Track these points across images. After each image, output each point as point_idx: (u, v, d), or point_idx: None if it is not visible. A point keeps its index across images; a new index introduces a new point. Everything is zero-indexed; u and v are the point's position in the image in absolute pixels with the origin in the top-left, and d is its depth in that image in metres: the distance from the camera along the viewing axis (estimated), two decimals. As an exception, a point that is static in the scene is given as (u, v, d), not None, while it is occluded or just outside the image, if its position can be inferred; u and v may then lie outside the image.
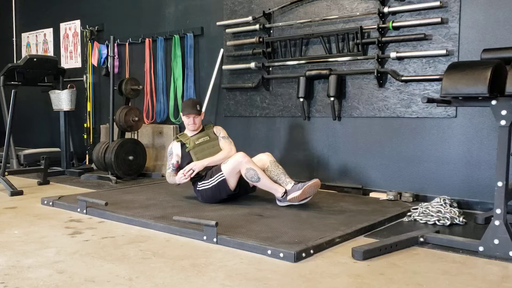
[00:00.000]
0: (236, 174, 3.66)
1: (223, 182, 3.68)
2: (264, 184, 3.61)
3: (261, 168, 3.66)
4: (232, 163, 3.64)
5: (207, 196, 3.77)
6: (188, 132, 4.05)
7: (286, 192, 3.57)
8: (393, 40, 4.09)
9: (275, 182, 3.66)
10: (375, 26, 4.12)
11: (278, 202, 3.62)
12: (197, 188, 3.83)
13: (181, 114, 4.12)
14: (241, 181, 3.71)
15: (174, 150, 3.97)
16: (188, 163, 3.88)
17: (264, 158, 3.80)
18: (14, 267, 2.43)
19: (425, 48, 3.96)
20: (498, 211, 2.56)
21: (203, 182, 3.78)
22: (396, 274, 2.32)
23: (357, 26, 4.21)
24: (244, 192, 3.88)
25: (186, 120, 4.00)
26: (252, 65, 4.88)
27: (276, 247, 2.59)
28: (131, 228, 3.22)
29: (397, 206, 3.74)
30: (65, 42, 7.14)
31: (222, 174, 3.67)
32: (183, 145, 3.95)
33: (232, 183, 3.69)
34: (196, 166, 3.79)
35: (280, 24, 4.76)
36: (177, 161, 3.94)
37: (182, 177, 3.77)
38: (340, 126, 4.48)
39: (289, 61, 4.71)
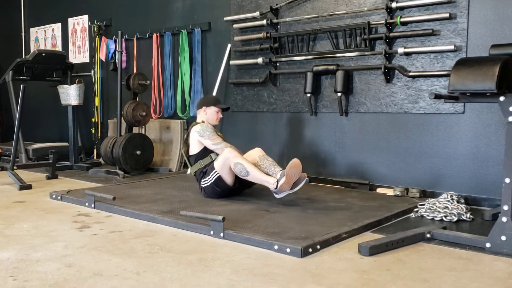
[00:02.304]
0: (228, 170, 3.65)
1: (219, 179, 3.70)
2: (254, 177, 3.59)
3: (252, 163, 3.66)
4: (221, 159, 3.65)
5: (210, 193, 3.80)
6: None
7: (277, 182, 3.51)
8: (400, 36, 4.07)
9: (267, 174, 3.64)
10: (383, 22, 4.11)
11: (275, 195, 3.57)
12: (201, 185, 3.85)
13: (207, 108, 4.00)
14: (238, 176, 3.72)
15: (210, 127, 3.93)
16: (205, 153, 3.87)
17: (254, 153, 3.82)
18: (23, 260, 2.46)
19: (433, 43, 3.94)
20: (506, 207, 2.55)
21: (205, 179, 3.80)
22: (402, 270, 2.32)
23: (365, 22, 4.19)
24: (244, 186, 3.88)
25: (216, 114, 4.03)
26: (260, 60, 4.88)
27: (283, 242, 2.60)
28: (138, 222, 3.25)
29: (404, 202, 3.74)
30: (73, 37, 7.17)
31: (216, 171, 3.69)
32: None
33: (228, 179, 3.70)
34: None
35: (287, 19, 4.75)
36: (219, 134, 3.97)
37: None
38: (347, 121, 4.48)
39: (297, 57, 4.71)
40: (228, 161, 3.61)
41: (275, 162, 3.77)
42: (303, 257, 2.50)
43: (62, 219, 3.35)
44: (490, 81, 2.47)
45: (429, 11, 3.95)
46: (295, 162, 3.44)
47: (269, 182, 3.55)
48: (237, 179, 3.74)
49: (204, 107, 4.04)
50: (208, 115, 4.03)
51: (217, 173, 3.69)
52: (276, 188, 3.51)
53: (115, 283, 2.15)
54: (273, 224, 3.01)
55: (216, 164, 3.69)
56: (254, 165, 3.64)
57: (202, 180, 3.82)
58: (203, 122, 4.02)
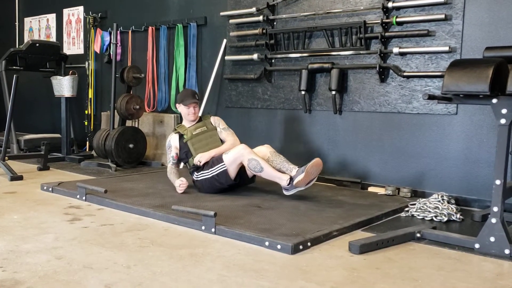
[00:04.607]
0: (237, 165, 3.67)
1: (224, 172, 3.69)
2: (268, 173, 3.60)
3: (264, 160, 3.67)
4: (234, 154, 3.65)
5: (206, 186, 3.79)
6: (186, 123, 4.05)
7: (291, 179, 3.53)
8: (396, 36, 4.08)
9: (279, 170, 3.65)
10: (379, 21, 4.11)
11: (285, 192, 3.59)
12: (195, 178, 3.85)
13: (178, 105, 4.07)
14: (241, 171, 3.73)
15: (173, 142, 3.97)
16: (187, 154, 3.90)
17: (264, 150, 3.80)
18: (13, 251, 2.45)
19: (428, 44, 3.95)
20: (495, 209, 2.57)
21: (202, 172, 3.79)
22: (392, 269, 2.34)
23: (361, 21, 4.20)
24: (243, 183, 3.89)
25: (186, 110, 4.00)
26: (255, 56, 4.87)
27: (274, 238, 2.61)
28: (130, 216, 3.24)
29: (395, 201, 3.76)
30: (68, 28, 7.12)
31: (224, 164, 3.68)
32: (181, 136, 3.96)
33: (232, 173, 3.71)
34: (203, 157, 3.80)
35: (283, 16, 4.75)
36: (176, 153, 3.95)
37: (179, 187, 3.79)
38: (341, 120, 4.49)
39: (292, 54, 4.70)
40: (242, 157, 3.62)
41: (286, 159, 3.76)
42: (294, 254, 2.52)
43: (53, 211, 3.34)
44: (484, 83, 2.49)
45: (425, 11, 3.96)
46: (317, 161, 3.51)
47: (282, 179, 3.56)
48: (238, 174, 3.74)
49: (177, 105, 4.13)
50: (181, 113, 4.08)
51: (225, 167, 3.68)
52: (289, 185, 3.53)
53: (105, 276, 2.15)
54: (264, 220, 3.02)
55: (227, 157, 3.67)
56: (266, 162, 3.65)
57: (198, 173, 3.81)
58: (179, 125, 4.09)
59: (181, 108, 4.03)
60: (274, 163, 3.69)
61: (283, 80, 4.84)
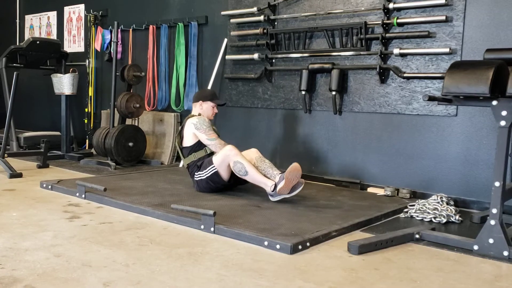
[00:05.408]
0: (226, 166, 3.67)
1: (216, 174, 3.70)
2: (253, 177, 3.59)
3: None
4: (221, 155, 3.66)
5: (203, 187, 3.81)
6: None
7: (276, 185, 3.50)
8: (396, 37, 4.08)
9: (264, 176, 3.62)
10: (380, 22, 4.11)
11: (271, 198, 3.56)
12: (194, 179, 3.85)
13: (204, 102, 4.02)
14: (237, 174, 3.72)
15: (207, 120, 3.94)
16: (200, 144, 3.89)
17: (250, 154, 3.80)
18: (12, 249, 2.45)
19: (428, 45, 3.95)
20: (494, 210, 2.57)
21: (199, 172, 3.80)
22: (391, 270, 2.34)
23: (362, 21, 4.20)
24: (238, 183, 3.89)
25: (212, 109, 4.04)
26: (256, 56, 4.87)
27: (273, 238, 2.61)
28: (129, 214, 3.24)
29: (394, 202, 3.76)
30: (68, 26, 7.12)
31: (214, 166, 3.69)
32: None
33: (224, 175, 3.71)
34: None
35: (284, 16, 4.75)
36: None
37: None
38: (341, 120, 4.49)
39: (293, 54, 4.71)
40: (228, 159, 3.62)
41: (272, 164, 3.76)
42: (293, 253, 2.52)
43: (52, 208, 3.34)
44: (484, 85, 2.49)
45: (426, 13, 3.96)
46: (295, 166, 3.43)
47: (267, 185, 3.55)
48: (232, 175, 3.74)
49: (200, 101, 4.04)
50: (204, 109, 4.03)
51: (215, 168, 3.69)
52: (273, 191, 3.51)
53: (104, 274, 2.15)
54: (263, 220, 3.02)
55: (215, 159, 3.69)
56: (253, 166, 3.64)
57: (196, 173, 3.82)
58: (199, 115, 4.01)
59: (207, 105, 4.03)
60: (259, 168, 3.68)
61: (284, 80, 4.84)
